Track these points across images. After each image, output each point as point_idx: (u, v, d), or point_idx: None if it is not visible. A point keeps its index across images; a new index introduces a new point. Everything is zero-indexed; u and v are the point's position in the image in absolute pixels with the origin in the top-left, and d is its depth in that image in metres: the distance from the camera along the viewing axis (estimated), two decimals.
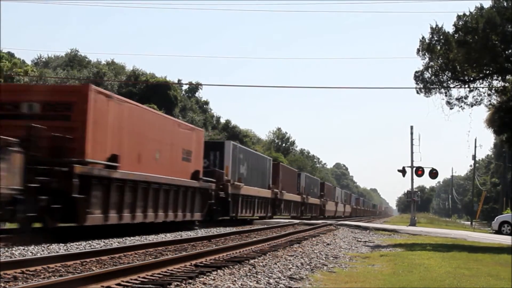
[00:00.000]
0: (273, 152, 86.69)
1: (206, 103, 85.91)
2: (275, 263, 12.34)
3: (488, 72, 22.88)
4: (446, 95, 23.39)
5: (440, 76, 22.96)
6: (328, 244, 18.85)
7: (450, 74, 22.87)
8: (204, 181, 25.39)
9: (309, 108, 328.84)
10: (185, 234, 21.23)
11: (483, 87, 23.40)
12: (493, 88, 23.54)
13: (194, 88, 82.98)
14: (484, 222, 79.45)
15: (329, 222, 37.53)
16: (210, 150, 29.61)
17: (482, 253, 17.18)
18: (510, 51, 22.30)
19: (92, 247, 14.74)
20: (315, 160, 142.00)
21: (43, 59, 75.37)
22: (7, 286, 8.43)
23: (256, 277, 10.14)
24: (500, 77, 23.20)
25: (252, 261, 12.49)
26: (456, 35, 21.97)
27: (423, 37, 22.48)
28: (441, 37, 22.23)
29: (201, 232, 22.70)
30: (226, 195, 29.08)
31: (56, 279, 8.45)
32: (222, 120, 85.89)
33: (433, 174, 42.07)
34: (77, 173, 15.65)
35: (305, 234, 23.53)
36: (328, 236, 23.63)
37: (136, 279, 9.20)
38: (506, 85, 23.47)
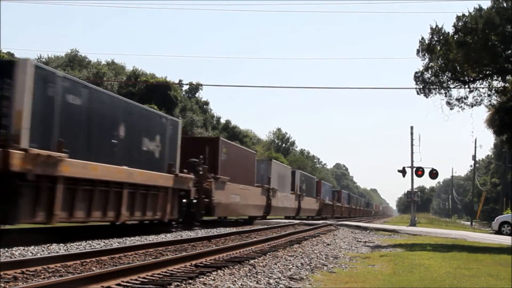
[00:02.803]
0: (273, 152, 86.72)
1: (206, 103, 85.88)
2: (275, 263, 12.34)
3: (488, 72, 22.90)
4: (446, 96, 23.44)
5: (440, 77, 22.98)
6: (328, 244, 18.86)
7: (450, 74, 22.89)
8: None
9: (309, 108, 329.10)
10: (185, 234, 21.23)
11: (483, 88, 23.44)
12: (493, 89, 23.56)
13: (194, 88, 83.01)
14: (484, 222, 79.44)
15: (329, 222, 37.52)
16: None
17: (482, 253, 17.18)
18: (510, 51, 22.31)
19: (92, 247, 14.75)
20: (315, 160, 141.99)
21: (43, 59, 75.35)
22: (7, 286, 8.43)
23: (256, 277, 10.14)
24: (500, 78, 23.23)
25: (252, 261, 12.49)
26: (456, 36, 21.99)
27: (422, 38, 22.53)
28: (441, 37, 22.26)
29: (201, 233, 22.70)
30: None
31: (56, 279, 8.45)
32: (222, 121, 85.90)
33: (433, 174, 42.08)
34: None
35: (305, 234, 23.54)
36: (328, 236, 23.64)
37: (136, 279, 9.20)
38: (506, 85, 23.49)
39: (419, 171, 42.01)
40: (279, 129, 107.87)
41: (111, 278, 8.81)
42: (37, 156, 14.06)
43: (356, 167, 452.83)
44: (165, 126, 22.13)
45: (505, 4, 21.70)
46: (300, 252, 15.54)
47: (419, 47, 22.63)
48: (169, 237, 19.68)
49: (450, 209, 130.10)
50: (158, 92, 61.39)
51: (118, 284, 8.73)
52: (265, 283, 9.62)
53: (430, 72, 22.94)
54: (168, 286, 8.88)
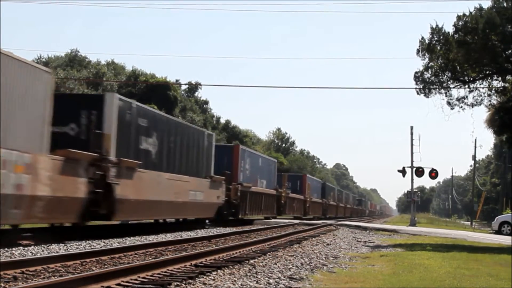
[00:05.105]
0: (272, 153, 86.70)
1: (206, 102, 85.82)
2: (275, 263, 12.34)
3: (488, 72, 22.89)
4: (446, 96, 23.42)
5: (440, 77, 22.95)
6: (328, 244, 18.86)
7: (450, 74, 22.87)
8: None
9: (309, 108, 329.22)
10: (185, 234, 21.23)
11: (483, 88, 23.43)
12: (493, 89, 23.55)
13: (193, 88, 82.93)
14: (484, 222, 79.40)
15: (329, 222, 37.46)
16: None
17: (482, 253, 17.18)
18: (510, 51, 22.30)
19: (92, 247, 14.74)
20: (315, 160, 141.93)
21: (43, 59, 75.31)
22: (7, 286, 8.43)
23: (256, 277, 10.14)
24: (500, 78, 23.21)
25: (252, 261, 12.49)
26: (456, 35, 21.97)
27: (422, 38, 22.50)
28: (441, 37, 22.23)
29: (201, 232, 22.70)
30: None
31: (56, 279, 8.45)
32: (222, 121, 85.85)
33: (433, 174, 42.06)
34: None
35: (305, 234, 23.55)
36: (328, 236, 23.64)
37: (136, 279, 9.20)
38: (506, 85, 23.47)
39: (419, 171, 41.99)
40: (279, 129, 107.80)
41: (111, 278, 8.81)
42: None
43: (356, 167, 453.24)
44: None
45: (505, 4, 21.69)
46: (300, 252, 15.53)
47: (419, 47, 22.60)
48: (169, 237, 19.68)
49: (450, 209, 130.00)
50: (158, 92, 61.38)
51: (118, 284, 8.72)
52: (265, 283, 9.61)
53: (430, 72, 22.92)
54: (168, 286, 8.87)
